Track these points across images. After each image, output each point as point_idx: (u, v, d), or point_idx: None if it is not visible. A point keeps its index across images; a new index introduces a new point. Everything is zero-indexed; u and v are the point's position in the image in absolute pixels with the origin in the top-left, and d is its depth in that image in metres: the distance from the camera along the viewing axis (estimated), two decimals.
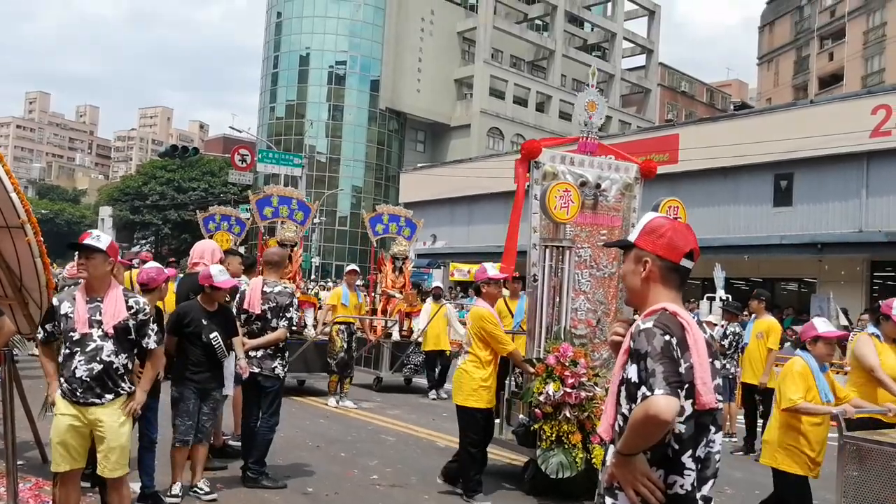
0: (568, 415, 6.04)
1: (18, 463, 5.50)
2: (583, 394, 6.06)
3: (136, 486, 5.46)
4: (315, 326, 11.78)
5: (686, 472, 2.31)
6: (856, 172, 20.92)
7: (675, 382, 2.21)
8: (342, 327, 11.02)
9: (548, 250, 6.59)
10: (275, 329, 6.49)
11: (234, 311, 6.53)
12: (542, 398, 6.13)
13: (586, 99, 7.19)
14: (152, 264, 5.94)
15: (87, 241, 4.45)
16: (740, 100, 70.02)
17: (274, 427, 6.59)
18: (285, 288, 6.77)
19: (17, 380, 5.67)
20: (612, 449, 2.41)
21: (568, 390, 6.05)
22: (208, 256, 6.94)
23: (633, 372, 2.28)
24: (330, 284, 26.96)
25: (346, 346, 10.93)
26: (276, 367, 6.51)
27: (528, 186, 6.91)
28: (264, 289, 6.59)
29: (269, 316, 6.50)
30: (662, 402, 2.16)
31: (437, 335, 12.49)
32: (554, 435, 6.07)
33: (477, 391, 6.24)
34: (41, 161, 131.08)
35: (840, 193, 21.13)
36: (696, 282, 23.44)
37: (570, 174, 6.89)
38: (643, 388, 2.21)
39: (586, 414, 6.07)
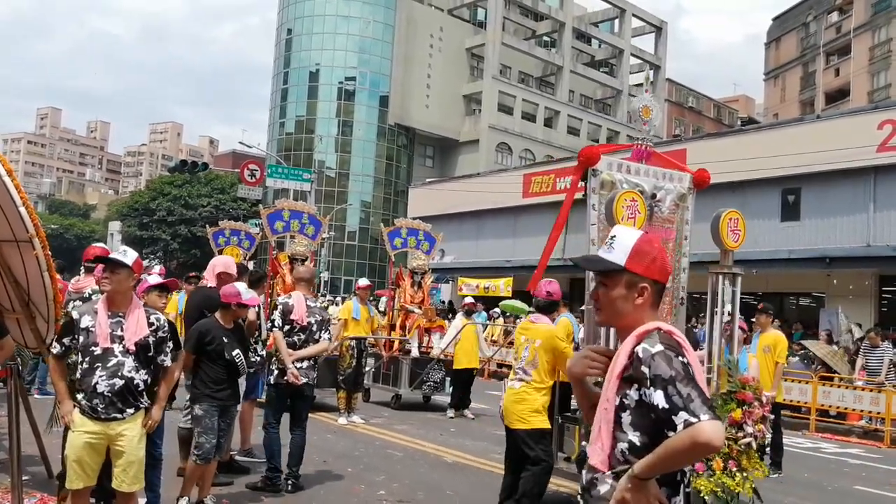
0: None
1: (24, 478, 5.51)
2: None
3: (141, 502, 5.45)
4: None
5: (682, 488, 2.34)
6: (863, 187, 20.86)
7: (711, 405, 2.17)
8: (352, 342, 11.00)
9: None
10: (317, 341, 6.89)
11: (279, 321, 6.81)
12: None
13: (641, 104, 6.78)
14: (155, 278, 5.97)
15: (114, 255, 4.50)
16: (747, 115, 70.04)
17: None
18: (318, 304, 7.26)
19: (23, 394, 5.68)
20: (605, 476, 2.30)
21: None
22: (209, 273, 6.98)
23: (659, 398, 2.16)
24: (338, 300, 26.97)
25: (354, 361, 10.91)
26: (315, 376, 6.96)
27: (585, 196, 6.37)
28: (308, 303, 6.95)
29: (314, 328, 6.88)
30: (710, 428, 2.09)
31: (468, 352, 12.19)
32: None
33: (539, 412, 5.81)
34: (52, 176, 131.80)
35: (848, 208, 21.05)
36: (704, 295, 23.28)
37: (627, 183, 6.42)
38: (683, 415, 2.11)
39: None
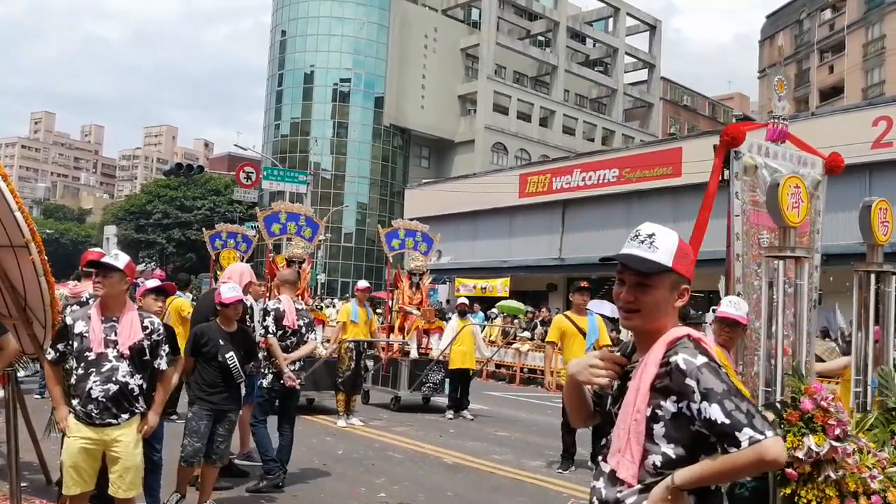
0: (832, 475, 4.57)
1: (22, 484, 5.49)
2: (851, 447, 4.53)
3: None
4: (323, 343, 11.76)
5: (709, 498, 2.29)
6: (858, 184, 20.88)
7: (770, 421, 2.14)
8: (351, 345, 10.99)
9: (781, 263, 4.99)
10: (305, 342, 7.16)
11: (273, 327, 6.96)
12: (800, 454, 4.60)
13: (776, 77, 5.92)
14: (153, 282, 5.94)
15: (105, 259, 4.48)
16: (742, 113, 70.11)
17: None
18: (303, 306, 7.53)
19: (20, 400, 5.66)
20: (633, 490, 2.21)
21: (834, 443, 4.53)
22: (236, 279, 6.91)
23: (716, 413, 2.10)
24: (336, 302, 26.94)
25: (354, 363, 10.89)
26: (304, 376, 7.29)
27: (724, 181, 5.57)
28: (296, 306, 7.16)
29: (304, 331, 7.13)
30: (775, 446, 2.08)
31: (463, 353, 12.16)
32: (815, 501, 4.62)
33: None
34: (46, 181, 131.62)
35: (843, 205, 21.00)
36: (700, 294, 23.40)
37: (766, 168, 5.60)
38: (748, 431, 2.07)
39: (841, 472, 4.59)
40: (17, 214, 4.76)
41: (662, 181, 25.79)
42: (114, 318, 4.45)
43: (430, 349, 12.84)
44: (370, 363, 12.95)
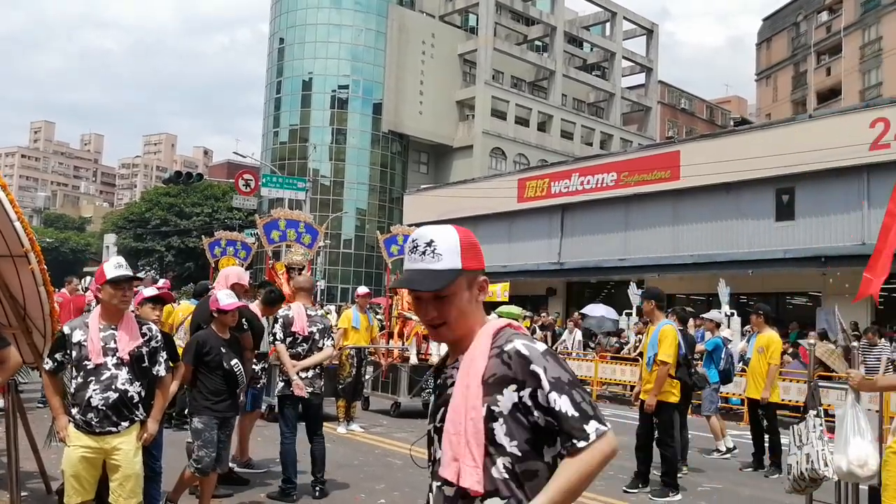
0: None
1: (23, 494, 5.49)
2: None
3: None
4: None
5: None
6: (856, 185, 20.93)
7: None
8: (352, 351, 10.99)
9: None
10: (321, 349, 6.97)
11: (280, 334, 6.86)
12: None
13: None
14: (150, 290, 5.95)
15: (124, 272, 4.50)
16: (740, 116, 70.20)
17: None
18: (319, 312, 7.35)
19: (21, 409, 5.67)
20: (479, 500, 2.01)
21: None
22: (222, 282, 6.94)
23: (565, 405, 1.92)
24: (331, 308, 26.88)
25: (355, 370, 10.90)
26: (322, 384, 7.07)
27: None
28: (308, 312, 7.03)
29: (317, 337, 6.97)
30: (613, 437, 1.94)
31: None
32: None
33: None
34: (46, 190, 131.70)
35: (842, 206, 21.12)
36: (701, 297, 23.40)
37: None
38: (594, 423, 1.92)
39: None
40: (17, 224, 4.79)
41: (661, 184, 25.81)
42: (112, 327, 4.47)
43: (430, 355, 12.84)
44: (370, 369, 12.95)
